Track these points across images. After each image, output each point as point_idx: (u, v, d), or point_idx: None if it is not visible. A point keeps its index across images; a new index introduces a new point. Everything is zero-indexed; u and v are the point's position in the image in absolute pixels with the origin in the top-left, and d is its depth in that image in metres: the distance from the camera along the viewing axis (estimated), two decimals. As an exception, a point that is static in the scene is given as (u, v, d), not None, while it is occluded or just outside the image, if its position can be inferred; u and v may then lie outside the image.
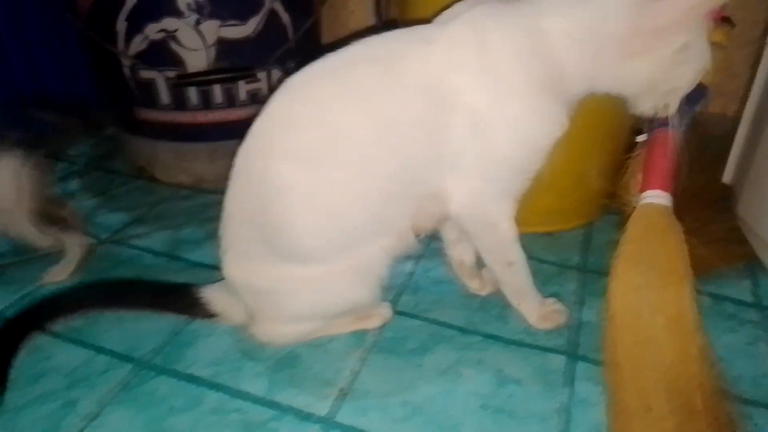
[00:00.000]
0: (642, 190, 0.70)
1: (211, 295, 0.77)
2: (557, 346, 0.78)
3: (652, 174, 0.70)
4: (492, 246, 0.73)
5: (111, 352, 0.76)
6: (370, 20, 1.25)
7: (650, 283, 0.64)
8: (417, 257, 0.94)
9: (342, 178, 0.65)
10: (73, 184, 1.16)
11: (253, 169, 0.67)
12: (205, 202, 1.09)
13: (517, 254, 0.74)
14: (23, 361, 0.74)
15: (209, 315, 0.78)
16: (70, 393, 0.70)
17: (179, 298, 0.78)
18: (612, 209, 1.05)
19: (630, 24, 0.60)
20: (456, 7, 0.67)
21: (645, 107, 0.68)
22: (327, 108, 0.64)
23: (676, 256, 0.65)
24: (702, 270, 0.87)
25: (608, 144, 0.95)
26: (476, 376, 0.73)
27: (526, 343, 0.78)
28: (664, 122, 0.72)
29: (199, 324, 0.80)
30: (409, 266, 0.92)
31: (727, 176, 1.04)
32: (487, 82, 0.62)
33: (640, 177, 0.72)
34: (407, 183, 0.67)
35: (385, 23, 0.94)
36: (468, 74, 0.62)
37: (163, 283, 0.84)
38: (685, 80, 0.65)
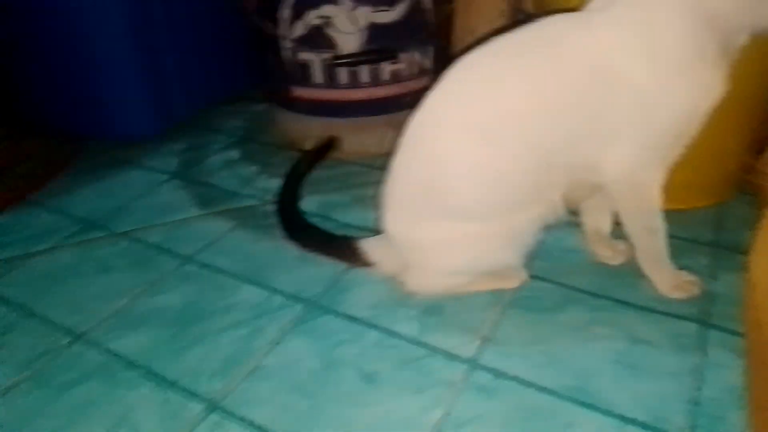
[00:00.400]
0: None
1: (369, 247, 0.89)
2: (689, 314, 0.81)
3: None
4: (640, 213, 0.78)
5: (284, 293, 0.89)
6: (503, 7, 1.30)
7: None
8: (548, 227, 1.00)
9: (507, 149, 0.73)
10: (233, 154, 1.33)
11: (425, 137, 0.77)
12: (349, 171, 1.21)
13: (659, 222, 0.79)
14: (216, 296, 0.89)
15: (366, 264, 0.89)
16: (257, 322, 0.84)
17: (342, 247, 0.91)
18: (745, 189, 1.05)
19: None
20: None
21: None
22: (497, 86, 0.72)
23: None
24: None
25: (750, 116, 0.95)
26: (609, 334, 0.79)
27: (658, 309, 0.83)
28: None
29: (354, 273, 0.92)
30: (540, 235, 0.99)
31: None
32: (654, 61, 0.67)
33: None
34: (567, 155, 0.74)
35: (520, 14, 0.99)
36: (635, 55, 0.68)
37: (329, 233, 0.97)
38: None
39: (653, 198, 0.76)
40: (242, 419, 0.70)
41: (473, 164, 0.74)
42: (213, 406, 0.71)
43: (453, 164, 0.74)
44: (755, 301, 0.66)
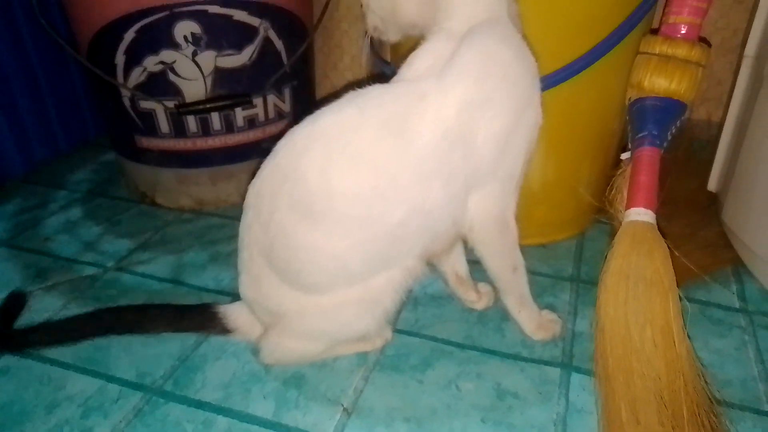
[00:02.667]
0: (627, 208, 0.73)
1: (228, 312, 0.81)
2: (553, 357, 0.80)
3: (636, 192, 0.73)
4: (501, 249, 0.76)
5: (122, 381, 0.78)
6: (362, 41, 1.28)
7: (637, 296, 0.67)
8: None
9: (345, 229, 0.68)
10: (76, 212, 1.19)
11: (262, 209, 0.70)
12: (207, 225, 1.11)
13: (520, 257, 0.78)
14: (38, 392, 0.76)
15: (226, 330, 0.81)
16: (85, 422, 0.72)
17: (198, 315, 0.82)
18: (601, 218, 1.08)
19: None
20: (423, 54, 0.71)
21: None
22: (329, 167, 0.67)
23: (662, 270, 0.68)
24: (690, 277, 0.90)
25: (597, 159, 0.98)
26: (476, 389, 0.76)
27: (523, 356, 0.81)
28: (647, 140, 0.76)
29: (206, 348, 0.83)
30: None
31: (712, 184, 1.07)
32: (500, 103, 0.66)
33: (625, 193, 0.75)
34: (418, 222, 0.70)
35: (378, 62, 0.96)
36: (481, 104, 0.66)
37: (181, 306, 0.86)
38: None
39: (513, 229, 0.75)
40: None
41: (308, 244, 0.68)
42: None
43: (288, 241, 0.69)
44: (603, 349, 0.66)
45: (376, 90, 0.69)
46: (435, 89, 0.66)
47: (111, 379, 0.78)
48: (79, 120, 1.39)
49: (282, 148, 0.70)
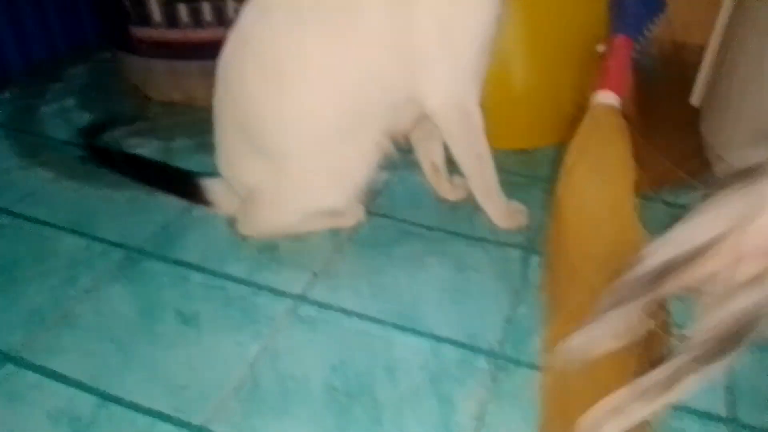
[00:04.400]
0: (594, 90, 0.75)
1: (208, 185, 0.86)
2: (516, 242, 0.84)
3: (603, 76, 0.75)
4: (464, 136, 0.79)
5: (106, 241, 0.83)
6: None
7: (593, 174, 0.70)
8: (394, 167, 1.00)
9: (308, 91, 0.71)
10: (70, 101, 1.22)
11: (232, 78, 0.73)
12: (197, 118, 1.13)
13: (485, 146, 0.80)
14: (28, 246, 0.81)
15: (206, 202, 0.86)
16: (70, 271, 0.77)
17: (183, 182, 0.88)
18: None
19: None
20: None
21: None
22: (290, 28, 0.69)
23: (621, 152, 0.71)
24: (664, 181, 0.93)
25: (577, 60, 0.99)
26: (439, 263, 0.80)
27: (489, 239, 0.85)
28: (620, 29, 0.77)
29: (188, 219, 0.87)
30: (385, 175, 0.98)
31: (695, 99, 1.08)
32: None
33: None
34: (376, 91, 0.73)
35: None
36: None
37: (172, 168, 0.93)
38: None
39: (476, 116, 0.77)
40: (40, 369, 0.64)
41: (277, 106, 0.71)
42: (6, 358, 0.65)
43: (258, 106, 0.72)
44: (558, 217, 0.69)
45: None
46: None
47: (96, 239, 0.83)
48: (77, 23, 1.41)
49: (247, 15, 0.72)
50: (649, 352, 0.65)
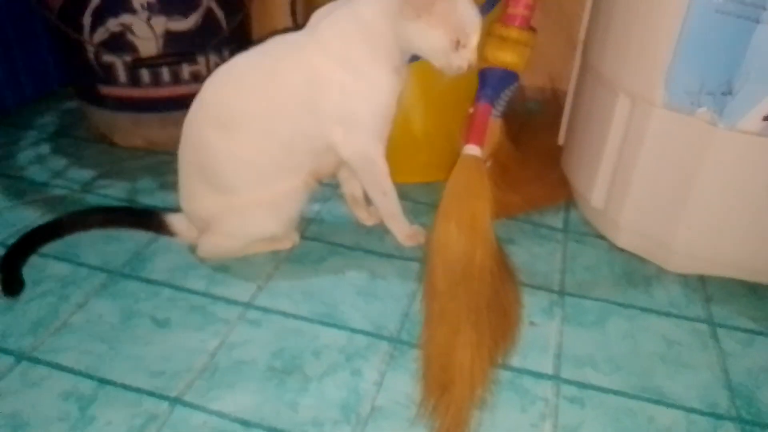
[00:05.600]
0: (463, 144, 1.02)
1: (171, 219, 1.08)
2: (416, 257, 1.10)
3: (469, 133, 1.02)
4: (372, 179, 1.04)
5: (89, 265, 1.03)
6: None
7: (460, 204, 0.97)
8: (324, 200, 1.24)
9: (250, 140, 0.96)
10: (45, 148, 1.41)
11: (193, 130, 0.96)
12: (158, 161, 1.36)
13: (389, 186, 1.05)
14: (25, 274, 1.01)
15: (171, 233, 1.09)
16: (63, 291, 0.98)
17: (149, 219, 1.10)
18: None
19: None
20: (316, 14, 0.97)
21: (438, 65, 0.94)
22: (238, 93, 0.95)
23: (480, 187, 0.98)
24: (533, 206, 1.21)
25: (460, 114, 1.26)
26: (356, 275, 1.05)
27: (395, 255, 1.10)
28: (483, 97, 1.05)
29: (155, 246, 1.09)
30: (317, 206, 1.23)
31: (561, 139, 1.37)
32: (344, 67, 0.93)
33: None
34: (301, 142, 0.98)
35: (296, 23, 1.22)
36: (332, 64, 0.92)
37: (139, 209, 1.15)
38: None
39: (380, 165, 1.02)
40: (49, 364, 0.84)
41: (225, 151, 0.95)
42: (21, 357, 0.85)
43: (211, 151, 0.96)
44: (433, 235, 0.95)
45: (278, 38, 0.96)
46: (310, 42, 0.93)
47: (80, 264, 1.04)
48: (44, 72, 1.60)
49: (207, 84, 0.96)
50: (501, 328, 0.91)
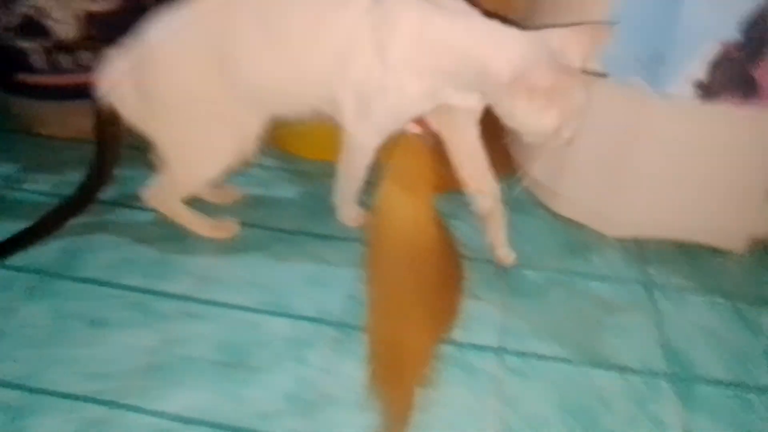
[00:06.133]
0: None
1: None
2: (359, 238, 1.09)
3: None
4: (353, 162, 1.00)
5: (15, 267, 0.98)
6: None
7: (403, 184, 0.95)
8: (265, 184, 1.21)
9: (285, 57, 0.92)
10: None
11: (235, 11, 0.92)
12: (88, 152, 1.29)
13: (363, 174, 1.01)
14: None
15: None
16: (-9, 296, 0.93)
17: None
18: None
19: None
20: None
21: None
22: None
23: (423, 165, 0.97)
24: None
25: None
26: (303, 261, 1.03)
27: (340, 236, 1.09)
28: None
29: (86, 241, 1.03)
30: (258, 190, 1.19)
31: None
32: (383, 56, 0.87)
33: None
34: (311, 82, 0.93)
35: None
36: (371, 45, 0.88)
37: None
38: None
39: (368, 156, 0.98)
40: (-26, 376, 0.80)
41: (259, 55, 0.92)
42: (-56, 372, 0.81)
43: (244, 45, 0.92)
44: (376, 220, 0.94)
45: None
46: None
47: (5, 266, 0.98)
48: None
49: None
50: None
